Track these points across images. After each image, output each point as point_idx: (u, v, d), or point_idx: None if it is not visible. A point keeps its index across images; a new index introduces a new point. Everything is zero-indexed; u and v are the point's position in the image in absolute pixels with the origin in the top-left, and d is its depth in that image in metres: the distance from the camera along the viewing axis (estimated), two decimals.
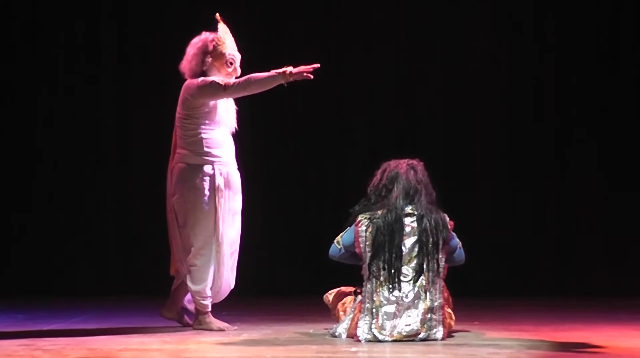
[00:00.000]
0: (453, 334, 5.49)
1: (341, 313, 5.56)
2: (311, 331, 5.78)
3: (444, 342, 5.23)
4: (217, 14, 5.87)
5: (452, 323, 5.47)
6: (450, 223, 5.40)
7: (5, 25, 8.43)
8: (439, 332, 5.28)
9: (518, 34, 8.39)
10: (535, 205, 8.35)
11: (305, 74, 5.66)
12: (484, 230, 8.20)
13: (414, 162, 5.53)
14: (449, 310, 5.42)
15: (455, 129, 8.41)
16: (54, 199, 8.43)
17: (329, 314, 5.72)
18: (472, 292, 7.56)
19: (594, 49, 8.32)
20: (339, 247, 5.46)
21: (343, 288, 5.67)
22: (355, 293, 5.51)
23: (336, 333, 5.46)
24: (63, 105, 8.44)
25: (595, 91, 8.32)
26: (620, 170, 8.27)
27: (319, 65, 5.65)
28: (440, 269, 5.33)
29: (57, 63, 8.44)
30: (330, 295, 5.70)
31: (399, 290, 5.25)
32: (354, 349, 5.04)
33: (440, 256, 5.33)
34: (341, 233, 5.47)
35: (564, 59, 8.35)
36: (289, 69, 5.64)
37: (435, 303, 5.28)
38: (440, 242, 5.34)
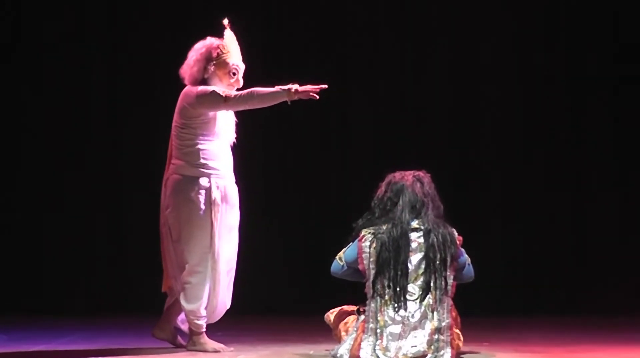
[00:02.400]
0: (461, 356, 5.39)
1: (343, 333, 5.45)
2: (311, 352, 5.69)
3: None
4: (225, 20, 5.77)
5: (461, 344, 5.34)
6: (459, 239, 5.30)
7: None
8: (447, 354, 5.15)
9: (525, 35, 8.40)
10: (548, 221, 8.32)
11: (311, 94, 5.57)
12: (494, 246, 8.18)
13: (420, 173, 5.43)
14: (457, 331, 5.30)
15: (462, 137, 8.39)
16: (41, 215, 8.38)
17: (330, 334, 5.62)
18: (481, 311, 7.50)
19: (603, 44, 8.34)
20: (342, 263, 5.36)
21: (345, 307, 5.56)
22: (358, 313, 5.40)
23: (338, 354, 5.33)
24: (50, 113, 8.39)
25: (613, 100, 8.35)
26: (636, 185, 8.29)
27: (326, 86, 5.57)
28: (449, 287, 5.21)
29: (45, 71, 8.40)
30: (331, 315, 5.60)
31: (405, 310, 5.14)
32: None
33: (448, 273, 5.21)
34: (344, 249, 5.37)
35: (573, 57, 8.35)
36: (295, 86, 5.55)
37: (443, 324, 5.16)
38: (449, 259, 5.21)
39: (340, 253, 5.35)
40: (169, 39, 7.80)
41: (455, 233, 5.28)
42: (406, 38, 8.43)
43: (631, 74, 8.25)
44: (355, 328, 5.30)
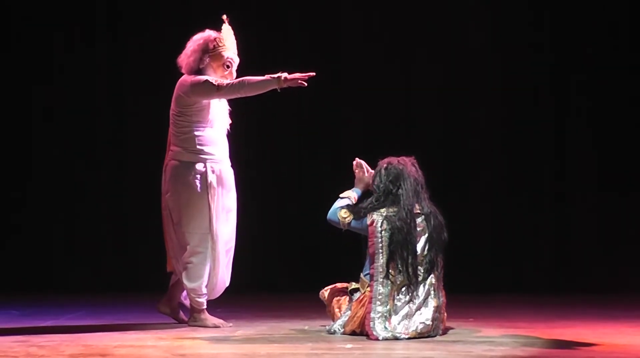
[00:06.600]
0: (448, 331, 5.52)
1: (336, 310, 5.55)
2: (306, 328, 5.78)
3: (438, 339, 5.27)
4: (224, 15, 5.86)
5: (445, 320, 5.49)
6: None
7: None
8: (439, 330, 5.36)
9: (513, 27, 8.36)
10: (531, 201, 8.29)
11: (299, 81, 5.65)
12: (480, 226, 8.19)
13: (412, 158, 5.54)
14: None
15: (451, 125, 8.36)
16: (49, 195, 8.36)
17: (324, 311, 5.70)
18: (466, 289, 7.49)
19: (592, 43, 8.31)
20: (343, 228, 5.44)
21: (338, 285, 5.65)
22: (351, 293, 5.48)
23: (332, 330, 5.44)
24: (58, 102, 8.38)
25: (594, 87, 8.29)
26: (617, 168, 8.23)
27: (314, 74, 5.63)
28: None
29: (51, 61, 8.38)
30: (325, 292, 5.68)
31: (417, 290, 5.27)
32: (349, 345, 5.04)
33: (443, 255, 5.40)
34: (349, 215, 5.41)
35: (561, 54, 8.33)
36: (284, 74, 5.63)
37: (440, 301, 5.33)
38: (443, 240, 5.39)
39: (346, 218, 5.41)
40: (170, 33, 7.72)
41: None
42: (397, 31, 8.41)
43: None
44: (349, 306, 5.40)
